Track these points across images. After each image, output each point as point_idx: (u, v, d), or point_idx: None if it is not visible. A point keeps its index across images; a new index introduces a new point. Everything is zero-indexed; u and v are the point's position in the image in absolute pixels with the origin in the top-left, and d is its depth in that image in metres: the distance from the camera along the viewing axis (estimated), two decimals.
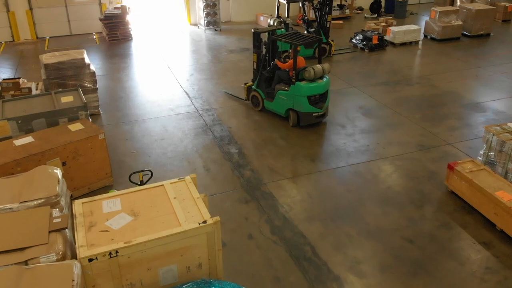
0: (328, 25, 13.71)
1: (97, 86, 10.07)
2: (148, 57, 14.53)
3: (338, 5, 18.85)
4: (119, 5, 16.02)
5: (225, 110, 10.37)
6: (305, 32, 14.09)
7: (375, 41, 14.48)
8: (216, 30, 17.42)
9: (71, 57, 9.66)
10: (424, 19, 18.68)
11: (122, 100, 11.03)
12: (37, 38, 16.50)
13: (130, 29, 16.03)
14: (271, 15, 18.29)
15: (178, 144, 8.87)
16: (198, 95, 11.26)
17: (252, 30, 9.81)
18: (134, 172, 5.91)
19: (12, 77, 11.66)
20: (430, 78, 12.22)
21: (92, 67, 10.03)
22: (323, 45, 13.78)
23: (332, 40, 14.05)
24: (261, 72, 9.78)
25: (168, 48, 15.35)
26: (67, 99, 8.09)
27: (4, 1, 15.66)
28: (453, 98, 10.90)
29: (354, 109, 10.33)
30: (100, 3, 16.87)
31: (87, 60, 9.85)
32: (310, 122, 9.27)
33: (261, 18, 18.19)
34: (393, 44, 15.17)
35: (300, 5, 14.34)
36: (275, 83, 9.63)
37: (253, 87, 10.09)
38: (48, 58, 9.68)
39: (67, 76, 9.64)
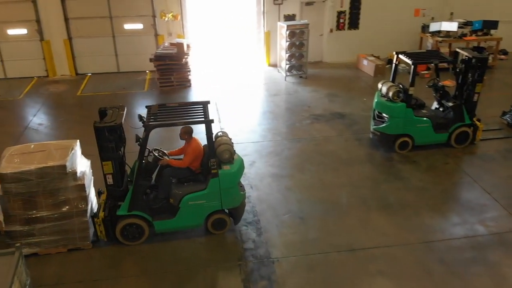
0: (476, 98, 8.68)
1: (87, 208, 6.12)
2: None
3: (474, 47, 13.42)
4: (175, 41, 12.12)
5: (297, 264, 5.91)
6: (435, 104, 9.16)
7: None
8: (300, 77, 12.96)
9: (44, 163, 5.78)
10: None
11: None
12: (76, 74, 13.28)
13: (188, 74, 12.12)
14: (379, 57, 13.55)
15: None
16: (253, 215, 6.92)
17: (95, 125, 5.79)
18: None
19: None
20: None
21: (81, 175, 6.09)
22: (464, 128, 8.78)
23: (479, 120, 8.96)
24: (137, 183, 6.09)
25: (231, 105, 11.20)
26: None
27: (37, 28, 12.56)
28: None
29: None
30: (156, 34, 13.18)
31: (70, 166, 5.92)
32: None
33: (364, 62, 13.40)
34: None
35: (433, 65, 9.41)
36: (166, 190, 6.32)
37: (120, 213, 6.14)
38: (9, 161, 5.88)
39: (37, 192, 5.82)
